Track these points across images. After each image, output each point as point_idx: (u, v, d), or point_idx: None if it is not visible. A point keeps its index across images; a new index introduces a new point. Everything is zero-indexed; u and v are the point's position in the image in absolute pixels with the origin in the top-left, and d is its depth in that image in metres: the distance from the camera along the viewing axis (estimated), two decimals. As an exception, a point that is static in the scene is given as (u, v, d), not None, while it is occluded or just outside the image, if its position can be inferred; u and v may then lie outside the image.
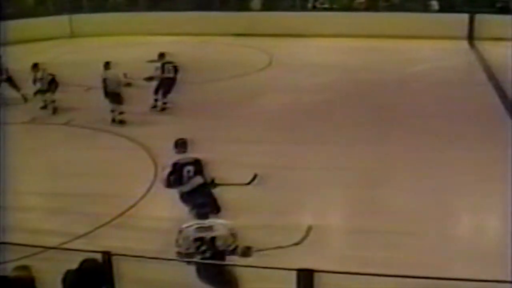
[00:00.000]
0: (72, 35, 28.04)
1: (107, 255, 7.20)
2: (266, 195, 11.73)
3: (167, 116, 16.86)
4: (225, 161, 12.39)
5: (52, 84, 17.68)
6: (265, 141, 14.73)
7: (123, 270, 7.31)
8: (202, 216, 8.19)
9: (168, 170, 10.57)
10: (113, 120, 16.61)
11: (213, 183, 10.70)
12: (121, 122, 16.59)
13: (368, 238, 10.23)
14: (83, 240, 10.34)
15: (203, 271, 7.97)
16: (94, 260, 5.04)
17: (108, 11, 28.97)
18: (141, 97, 17.44)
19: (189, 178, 10.54)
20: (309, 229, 10.31)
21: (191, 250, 7.97)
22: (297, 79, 20.46)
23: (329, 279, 6.87)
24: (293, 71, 21.59)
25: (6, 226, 10.78)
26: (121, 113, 16.68)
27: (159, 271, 8.53)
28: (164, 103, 17.57)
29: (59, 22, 28.28)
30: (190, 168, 10.57)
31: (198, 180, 10.59)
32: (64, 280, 4.72)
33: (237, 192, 11.21)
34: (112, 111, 16.67)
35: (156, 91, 17.51)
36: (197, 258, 7.92)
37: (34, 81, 18.01)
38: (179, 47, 25.01)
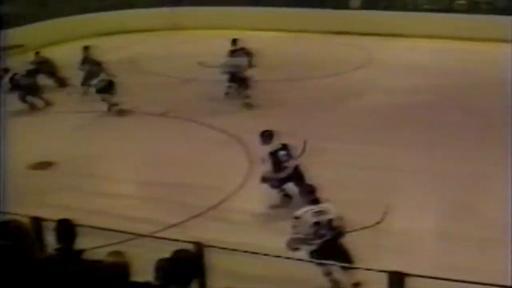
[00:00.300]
0: (173, 27, 28.44)
1: (199, 246, 7.29)
2: (355, 195, 11.62)
3: (263, 111, 16.88)
4: (316, 158, 12.37)
5: (111, 86, 17.47)
6: (358, 141, 14.57)
7: (214, 261, 7.40)
8: (313, 201, 8.68)
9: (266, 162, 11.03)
10: (247, 105, 17.14)
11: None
12: (249, 105, 17.12)
13: (459, 244, 10.01)
14: (175, 230, 10.48)
15: (323, 251, 8.39)
16: (186, 251, 5.07)
17: (209, 5, 29.23)
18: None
19: (286, 161, 11.00)
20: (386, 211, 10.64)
21: (310, 236, 8.44)
22: (394, 79, 20.15)
23: (419, 283, 6.79)
24: (390, 71, 21.28)
25: (100, 211, 11.09)
26: (246, 96, 17.17)
27: (250, 264, 8.57)
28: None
29: (160, 14, 28.74)
30: (283, 152, 11.04)
31: (294, 163, 11.04)
32: (157, 269, 4.76)
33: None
34: (246, 96, 17.19)
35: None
36: (316, 242, 8.45)
37: (83, 62, 18.73)
38: (277, 43, 25.15)
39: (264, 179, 11.26)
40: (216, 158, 13.85)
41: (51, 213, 8.23)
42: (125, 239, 8.52)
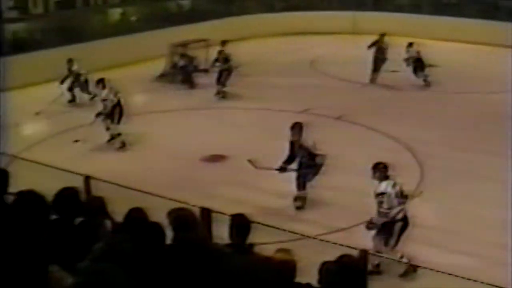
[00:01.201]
0: (354, 32, 28.34)
1: (365, 254, 7.21)
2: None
3: (435, 122, 16.48)
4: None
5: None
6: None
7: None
8: (386, 177, 9.59)
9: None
10: None
11: None
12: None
13: None
14: (342, 235, 10.41)
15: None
16: (352, 257, 4.99)
17: (391, 11, 28.90)
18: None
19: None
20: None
21: (395, 206, 9.41)
22: None
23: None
24: None
25: (266, 209, 11.22)
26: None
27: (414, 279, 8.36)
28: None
29: (343, 18, 28.71)
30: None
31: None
32: (321, 271, 4.71)
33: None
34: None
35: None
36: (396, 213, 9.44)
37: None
38: (461, 55, 24.43)
39: None
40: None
41: (219, 205, 8.43)
42: (290, 239, 8.54)
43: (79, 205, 5.44)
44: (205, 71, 20.74)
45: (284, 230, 8.61)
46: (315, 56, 24.40)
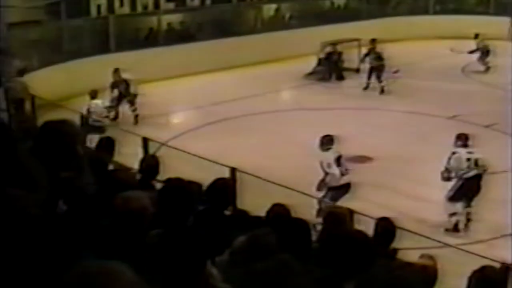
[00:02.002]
0: (510, 38, 27.41)
1: (506, 267, 7.15)
2: None
3: None
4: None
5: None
6: None
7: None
8: (465, 146, 11.32)
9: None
10: None
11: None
12: None
13: None
14: (481, 246, 10.29)
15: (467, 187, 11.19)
16: (495, 269, 5.05)
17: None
18: None
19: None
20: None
21: (463, 170, 11.11)
22: None
23: None
24: None
25: (407, 213, 11.19)
26: None
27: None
28: None
29: (499, 23, 27.82)
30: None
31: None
32: (470, 281, 4.81)
33: None
34: None
35: None
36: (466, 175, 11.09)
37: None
38: None
39: None
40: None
41: (362, 207, 8.57)
42: (433, 246, 8.57)
43: (230, 196, 5.64)
44: (357, 70, 20.92)
45: (427, 237, 8.65)
46: (467, 61, 23.86)
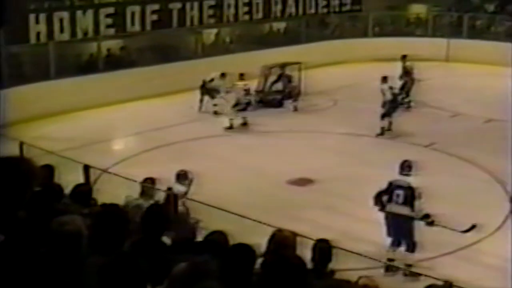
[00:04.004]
0: (447, 59, 28.01)
1: (450, 285, 7.23)
2: None
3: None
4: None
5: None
6: None
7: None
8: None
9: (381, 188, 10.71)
10: None
11: (425, 218, 10.54)
12: None
13: None
14: (424, 265, 10.40)
15: None
16: (438, 287, 5.11)
17: (486, 39, 28.47)
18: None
19: (396, 203, 10.55)
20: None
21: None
22: None
23: None
24: None
25: (349, 234, 11.26)
26: None
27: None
28: None
29: (436, 45, 28.41)
30: (400, 192, 10.53)
31: (403, 210, 10.48)
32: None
33: None
34: None
35: None
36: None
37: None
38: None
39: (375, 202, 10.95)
40: (475, 196, 13.44)
41: (305, 229, 8.59)
42: (374, 266, 8.64)
43: (166, 222, 5.54)
44: (297, 94, 21.05)
45: (368, 257, 8.70)
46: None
